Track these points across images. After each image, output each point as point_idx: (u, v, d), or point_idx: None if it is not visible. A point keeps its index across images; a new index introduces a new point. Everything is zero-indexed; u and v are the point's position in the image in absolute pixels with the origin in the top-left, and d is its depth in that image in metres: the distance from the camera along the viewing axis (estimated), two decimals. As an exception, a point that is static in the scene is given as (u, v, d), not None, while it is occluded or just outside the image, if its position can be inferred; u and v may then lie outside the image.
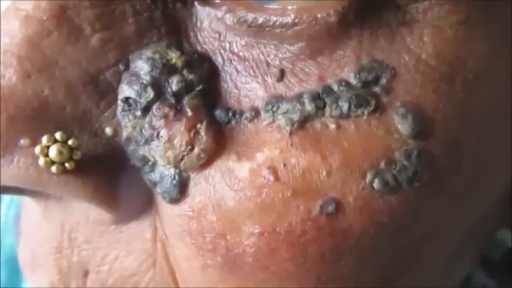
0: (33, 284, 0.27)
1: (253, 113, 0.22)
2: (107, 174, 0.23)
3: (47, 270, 0.25)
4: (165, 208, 0.22)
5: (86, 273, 0.25)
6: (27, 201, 0.26)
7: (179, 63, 0.22)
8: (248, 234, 0.21)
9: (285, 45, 0.22)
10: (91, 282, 0.25)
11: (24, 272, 0.27)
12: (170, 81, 0.22)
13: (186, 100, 0.22)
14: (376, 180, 0.21)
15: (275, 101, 0.22)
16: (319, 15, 0.21)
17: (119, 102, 0.22)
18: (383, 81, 0.21)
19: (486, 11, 0.21)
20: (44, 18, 0.22)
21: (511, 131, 0.24)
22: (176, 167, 0.22)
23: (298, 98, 0.21)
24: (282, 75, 0.22)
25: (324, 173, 0.21)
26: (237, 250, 0.21)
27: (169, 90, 0.22)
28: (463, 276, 0.30)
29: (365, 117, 0.21)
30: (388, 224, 0.21)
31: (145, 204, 0.23)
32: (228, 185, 0.21)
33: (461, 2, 0.21)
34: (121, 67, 0.22)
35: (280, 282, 0.22)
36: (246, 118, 0.22)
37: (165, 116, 0.22)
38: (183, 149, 0.22)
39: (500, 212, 0.28)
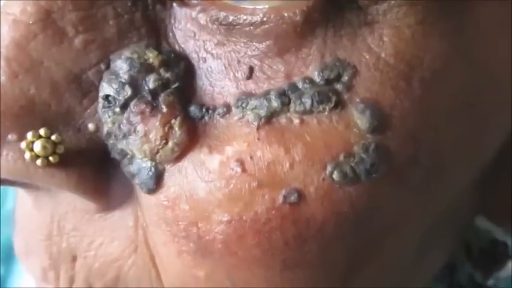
0: (27, 269, 0.29)
1: (225, 108, 0.23)
2: (90, 166, 0.24)
3: (39, 256, 0.27)
4: (144, 198, 0.24)
5: (74, 259, 0.26)
6: (20, 193, 0.28)
7: (156, 63, 0.24)
8: (217, 222, 0.22)
9: (254, 43, 0.23)
10: (79, 266, 0.26)
11: (19, 258, 0.29)
12: (147, 79, 0.23)
13: (162, 97, 0.23)
14: (335, 172, 0.22)
15: (245, 97, 0.23)
16: (285, 14, 0.22)
17: (100, 99, 0.24)
18: (344, 78, 0.22)
19: (443, 11, 0.22)
20: (30, 22, 0.23)
21: (473, 124, 0.24)
22: (152, 159, 0.23)
23: (266, 94, 0.23)
24: (251, 73, 0.23)
25: (287, 165, 0.22)
26: (207, 237, 0.23)
27: (146, 88, 0.23)
28: (438, 267, 0.31)
29: (326, 112, 0.22)
30: (349, 214, 0.22)
31: (127, 194, 0.25)
32: (199, 177, 0.23)
33: (418, 3, 0.22)
34: (102, 67, 0.24)
35: (249, 266, 0.23)
36: (219, 114, 0.23)
37: (142, 112, 0.23)
38: (158, 143, 0.23)
39: (476, 201, 0.29)
